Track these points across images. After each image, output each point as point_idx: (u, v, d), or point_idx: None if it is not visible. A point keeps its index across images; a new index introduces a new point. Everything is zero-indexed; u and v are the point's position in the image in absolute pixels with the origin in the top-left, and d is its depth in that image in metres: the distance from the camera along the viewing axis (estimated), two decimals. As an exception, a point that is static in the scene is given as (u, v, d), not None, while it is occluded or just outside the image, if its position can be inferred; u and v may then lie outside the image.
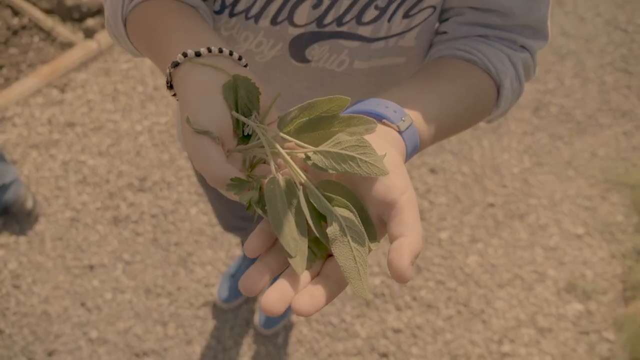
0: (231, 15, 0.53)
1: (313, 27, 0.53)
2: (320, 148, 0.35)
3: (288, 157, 0.35)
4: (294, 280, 0.32)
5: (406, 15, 0.51)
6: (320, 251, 0.34)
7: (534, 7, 0.50)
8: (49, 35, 2.04)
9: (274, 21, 0.52)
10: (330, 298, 0.32)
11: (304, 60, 0.56)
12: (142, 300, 1.51)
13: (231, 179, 0.34)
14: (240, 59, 0.41)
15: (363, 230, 0.33)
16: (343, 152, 0.34)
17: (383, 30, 0.52)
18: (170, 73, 0.40)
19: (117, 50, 2.03)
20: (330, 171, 0.34)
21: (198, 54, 0.39)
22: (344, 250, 0.32)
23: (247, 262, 1.54)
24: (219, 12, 0.53)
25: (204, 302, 1.53)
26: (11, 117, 1.81)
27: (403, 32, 0.53)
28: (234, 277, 1.52)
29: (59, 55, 1.96)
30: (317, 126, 0.36)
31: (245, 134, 0.38)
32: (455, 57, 0.51)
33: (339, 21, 0.52)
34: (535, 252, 1.72)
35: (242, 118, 0.37)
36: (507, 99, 0.53)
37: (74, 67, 1.94)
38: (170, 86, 0.41)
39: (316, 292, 0.31)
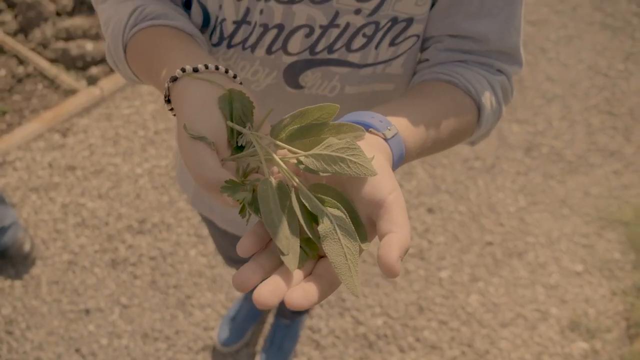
0: (229, 46, 0.57)
1: (306, 55, 0.56)
2: (312, 152, 0.36)
3: (280, 162, 0.36)
4: (287, 277, 0.33)
5: (392, 43, 0.55)
6: (312, 251, 0.35)
7: (506, 35, 0.54)
8: (52, 83, 2.09)
9: (269, 50, 0.56)
10: (322, 296, 0.32)
11: (298, 86, 0.60)
12: (139, 345, 1.47)
13: (225, 182, 0.35)
14: (235, 77, 0.44)
15: (353, 228, 0.34)
16: (333, 154, 0.35)
17: (371, 57, 0.56)
18: (168, 87, 0.42)
19: (119, 96, 2.08)
20: (322, 174, 0.35)
21: (196, 70, 0.41)
22: (335, 247, 0.33)
23: (247, 304, 1.52)
24: (217, 45, 0.57)
25: (203, 346, 1.49)
26: (12, 161, 1.83)
27: (390, 60, 0.57)
28: (234, 319, 1.49)
29: (62, 101, 2.01)
30: (308, 133, 0.38)
31: (239, 144, 0.40)
32: (437, 80, 0.54)
33: (330, 49, 0.55)
34: (536, 290, 1.71)
35: (236, 127, 0.39)
36: (488, 118, 0.55)
37: (77, 112, 1.98)
38: (167, 100, 0.43)
39: (309, 288, 0.32)
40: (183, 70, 0.41)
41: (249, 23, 0.54)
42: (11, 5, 2.36)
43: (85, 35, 2.27)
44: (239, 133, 0.40)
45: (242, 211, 0.36)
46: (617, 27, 2.81)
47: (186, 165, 0.38)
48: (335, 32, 0.54)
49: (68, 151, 1.87)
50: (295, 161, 0.37)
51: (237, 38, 0.56)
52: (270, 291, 0.31)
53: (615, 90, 2.46)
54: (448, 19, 0.54)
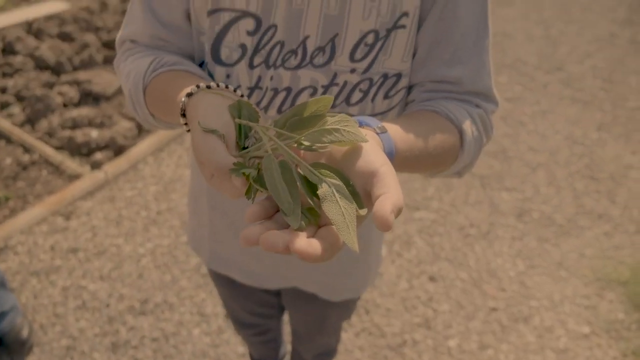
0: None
1: None
2: (309, 132, 0.40)
3: (284, 145, 0.40)
4: (291, 234, 0.35)
5: (386, 96, 0.62)
6: (312, 217, 0.38)
7: (478, 79, 0.62)
8: (57, 169, 2.15)
9: (279, 110, 0.64)
10: (324, 253, 0.34)
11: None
12: None
13: (234, 164, 0.39)
14: (242, 95, 0.50)
15: (350, 194, 0.37)
16: (329, 127, 0.39)
17: (368, 109, 0.63)
18: (184, 102, 0.48)
19: (123, 179, 2.14)
20: (320, 149, 0.39)
21: (209, 87, 0.48)
22: (333, 208, 0.35)
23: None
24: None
25: None
26: (14, 245, 1.83)
27: (386, 112, 0.64)
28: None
29: (65, 186, 2.06)
30: (308, 123, 0.41)
31: (246, 145, 0.44)
32: (423, 109, 0.61)
33: (332, 104, 0.62)
34: (546, 355, 1.69)
35: (244, 122, 0.44)
36: (470, 144, 0.60)
37: (80, 196, 2.02)
38: (183, 115, 0.48)
39: (312, 241, 0.34)
40: (197, 87, 0.48)
41: (260, 88, 0.62)
42: (20, 99, 2.50)
43: (90, 124, 2.39)
44: (246, 135, 0.44)
45: (248, 192, 0.39)
46: (586, 101, 3.05)
47: (198, 156, 0.42)
48: (335, 89, 0.61)
49: (70, 234, 1.88)
50: (296, 145, 0.41)
51: (252, 101, 0.64)
52: (276, 235, 0.34)
53: (594, 157, 2.60)
54: (427, 68, 0.61)
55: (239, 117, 0.45)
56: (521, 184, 2.39)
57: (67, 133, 2.29)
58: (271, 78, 0.61)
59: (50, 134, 2.32)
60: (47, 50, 2.77)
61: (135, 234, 1.92)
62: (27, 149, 2.23)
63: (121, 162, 2.20)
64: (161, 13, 0.63)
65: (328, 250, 0.35)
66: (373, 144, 0.41)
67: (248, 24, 0.58)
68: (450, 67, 0.60)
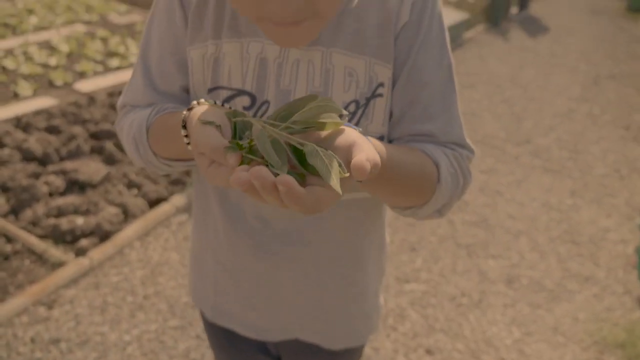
0: None
1: None
2: (295, 116, 0.46)
3: (273, 129, 0.45)
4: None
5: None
6: (299, 178, 0.42)
7: (449, 131, 0.67)
8: (40, 258, 2.10)
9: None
10: (308, 202, 0.39)
11: None
12: None
13: (229, 142, 0.44)
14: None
15: (331, 154, 0.42)
16: (313, 107, 0.45)
17: None
18: (185, 115, 0.52)
19: (108, 265, 2.10)
20: (306, 127, 0.44)
21: (207, 101, 0.54)
22: (317, 159, 0.41)
23: None
24: None
25: None
26: (-10, 340, 1.73)
27: None
28: None
29: (48, 274, 2.00)
30: (294, 109, 0.47)
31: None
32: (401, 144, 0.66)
33: None
34: None
35: (239, 112, 0.49)
36: (447, 180, 0.63)
37: (64, 284, 1.96)
38: (184, 127, 0.53)
39: (298, 186, 0.38)
40: (197, 102, 0.53)
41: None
42: (5, 190, 2.49)
43: (76, 211, 2.38)
44: (241, 137, 0.49)
45: (241, 164, 0.44)
46: (556, 170, 3.22)
47: (196, 144, 0.47)
48: None
49: (53, 324, 1.80)
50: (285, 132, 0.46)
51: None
52: (266, 170, 0.38)
53: (571, 222, 2.69)
54: (402, 125, 0.66)
55: (234, 117, 0.50)
56: (506, 251, 2.44)
57: (51, 221, 2.27)
58: None
59: (34, 222, 2.29)
60: (34, 142, 2.82)
61: (120, 321, 1.84)
62: (9, 239, 2.19)
63: (107, 247, 2.17)
64: (161, 86, 0.69)
65: (312, 201, 0.39)
66: (352, 129, 0.46)
67: (244, 100, 0.64)
68: (423, 123, 0.65)
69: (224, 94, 0.65)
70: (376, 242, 0.82)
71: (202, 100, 0.54)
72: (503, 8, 7.04)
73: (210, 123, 0.47)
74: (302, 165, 0.43)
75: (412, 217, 0.68)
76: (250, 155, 0.44)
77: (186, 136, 0.53)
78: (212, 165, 0.46)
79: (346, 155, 0.43)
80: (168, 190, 2.62)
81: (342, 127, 0.46)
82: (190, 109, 0.53)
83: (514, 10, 7.82)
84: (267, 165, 0.42)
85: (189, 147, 0.53)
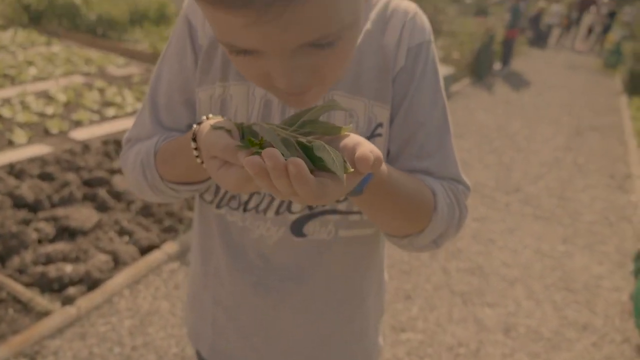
0: (245, 210, 0.71)
1: (306, 211, 0.70)
2: (303, 118, 0.48)
3: (283, 130, 0.47)
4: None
5: None
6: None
7: (444, 168, 0.69)
8: (25, 307, 2.03)
9: (277, 212, 0.70)
10: (316, 189, 0.40)
11: (302, 235, 0.71)
12: None
13: (241, 141, 0.47)
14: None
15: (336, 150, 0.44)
16: (319, 110, 0.48)
17: (353, 205, 0.70)
18: (195, 128, 0.54)
19: (95, 314, 2.03)
20: (311, 129, 0.46)
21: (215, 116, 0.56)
22: (324, 152, 0.43)
23: None
24: (236, 209, 0.71)
25: None
26: (-34, 396, 1.63)
27: None
28: None
29: (33, 324, 1.93)
30: (300, 116, 0.50)
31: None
32: None
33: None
34: None
35: (248, 124, 0.51)
36: (443, 209, 0.64)
37: (49, 334, 1.89)
38: (194, 139, 0.54)
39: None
40: (206, 117, 0.55)
41: (259, 193, 0.69)
42: (-7, 237, 2.45)
43: (65, 259, 2.33)
44: (249, 139, 0.50)
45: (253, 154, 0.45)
46: (546, 217, 3.25)
47: (207, 148, 0.48)
48: None
49: (34, 377, 1.71)
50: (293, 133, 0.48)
51: (251, 204, 0.70)
52: (279, 154, 0.39)
53: (565, 269, 2.69)
54: (399, 162, 0.68)
55: (242, 129, 0.52)
56: (502, 299, 2.41)
57: (39, 269, 2.21)
58: None
59: (21, 270, 2.23)
60: (26, 189, 2.81)
61: (106, 374, 1.76)
62: (-6, 288, 2.12)
63: (95, 296, 2.11)
64: (167, 123, 0.71)
65: (319, 189, 0.40)
66: (356, 134, 0.49)
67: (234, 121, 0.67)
68: (420, 161, 0.68)
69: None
70: (375, 279, 0.82)
71: (211, 115, 0.56)
72: (487, 64, 7.37)
73: (220, 128, 0.49)
74: (310, 161, 0.45)
75: (409, 247, 0.68)
76: (261, 150, 0.45)
77: (196, 149, 0.54)
78: (222, 167, 0.47)
79: (351, 154, 0.44)
80: (160, 237, 2.59)
81: (347, 132, 0.48)
82: (199, 123, 0.55)
83: (496, 65, 8.20)
84: None
85: (198, 160, 0.55)
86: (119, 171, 3.20)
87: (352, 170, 0.42)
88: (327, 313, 0.78)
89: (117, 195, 2.93)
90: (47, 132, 3.68)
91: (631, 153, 4.68)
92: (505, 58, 8.10)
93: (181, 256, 2.46)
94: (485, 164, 4.09)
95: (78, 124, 3.89)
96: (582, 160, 4.38)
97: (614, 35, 13.64)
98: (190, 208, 2.86)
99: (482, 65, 7.15)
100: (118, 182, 3.04)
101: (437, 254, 2.70)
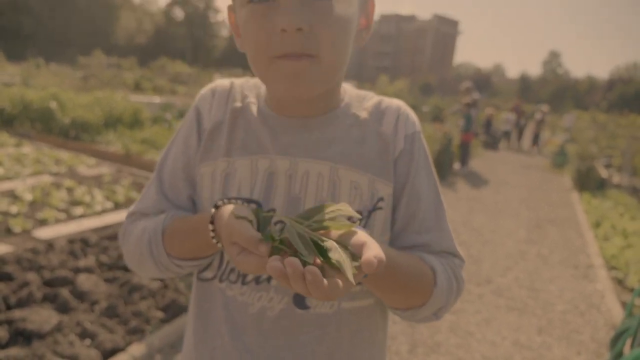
0: (243, 283, 0.72)
1: None
2: (317, 218, 0.55)
3: (300, 225, 0.53)
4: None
5: None
6: (320, 270, 0.49)
7: (442, 241, 0.75)
8: None
9: None
10: (329, 289, 0.47)
11: (305, 307, 0.72)
12: None
13: (262, 235, 0.53)
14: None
15: (347, 249, 0.51)
16: (332, 210, 0.56)
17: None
18: (213, 213, 0.60)
19: None
20: (325, 228, 0.53)
21: (230, 201, 0.63)
22: (336, 253, 0.50)
23: None
24: (234, 282, 0.73)
25: None
26: None
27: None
28: None
29: None
30: (315, 213, 0.57)
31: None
32: None
33: None
34: None
35: (267, 214, 0.59)
36: (443, 284, 0.70)
37: None
38: (211, 222, 0.60)
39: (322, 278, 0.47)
40: (223, 202, 0.61)
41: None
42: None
43: (17, 366, 2.12)
44: (264, 228, 0.58)
45: (271, 255, 0.52)
46: (519, 308, 3.27)
47: (231, 237, 0.55)
48: None
49: None
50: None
51: (249, 277, 0.72)
52: (297, 261, 0.46)
53: (545, 360, 2.65)
54: (403, 237, 0.75)
55: (258, 215, 0.59)
56: (487, 394, 2.32)
57: (-13, 379, 2.00)
58: None
59: (-35, 381, 2.01)
60: (-19, 290, 2.63)
61: None
62: None
63: (49, 408, 1.90)
64: (170, 195, 0.77)
65: (331, 290, 0.47)
66: (362, 231, 0.55)
67: (251, 207, 0.71)
68: (420, 235, 0.75)
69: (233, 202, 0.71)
70: (379, 355, 0.81)
71: (226, 200, 0.61)
72: (447, 163, 7.85)
73: (243, 217, 0.55)
74: (322, 257, 0.51)
75: (411, 319, 0.72)
76: (281, 245, 0.53)
77: (213, 230, 0.60)
78: (241, 253, 0.54)
79: (358, 252, 0.52)
80: (125, 339, 2.43)
81: (354, 229, 0.55)
82: (217, 207, 0.60)
83: (456, 165, 8.73)
84: (295, 255, 0.51)
85: (214, 241, 0.60)
86: (84, 270, 3.07)
87: (358, 262, 0.50)
88: None
89: (80, 295, 2.78)
90: (9, 231, 3.55)
91: (589, 244, 4.89)
92: (464, 159, 8.66)
93: (148, 359, 2.29)
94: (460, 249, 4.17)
95: (43, 222, 3.79)
96: (545, 252, 4.54)
97: (558, 138, 14.94)
98: (158, 308, 2.73)
99: (443, 166, 7.61)
100: (83, 281, 2.90)
101: (416, 348, 2.63)
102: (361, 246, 0.51)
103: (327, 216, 0.55)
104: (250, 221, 0.56)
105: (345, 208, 0.56)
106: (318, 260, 0.51)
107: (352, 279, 0.47)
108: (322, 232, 0.55)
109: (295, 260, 0.46)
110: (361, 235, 0.53)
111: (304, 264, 0.48)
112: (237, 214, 0.56)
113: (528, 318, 3.13)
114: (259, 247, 0.52)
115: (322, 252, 0.51)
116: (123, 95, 9.85)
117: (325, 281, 0.46)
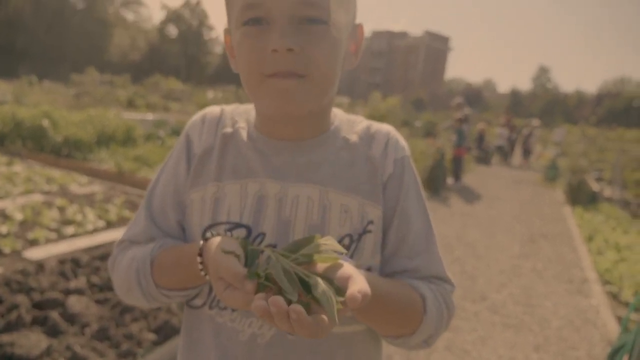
0: (233, 310, 0.72)
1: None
2: (301, 252, 0.55)
3: (285, 259, 0.53)
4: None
5: None
6: (304, 306, 0.49)
7: (431, 265, 0.76)
8: None
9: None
10: (313, 327, 0.47)
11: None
12: None
13: (248, 272, 0.53)
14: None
15: (331, 286, 0.51)
16: (318, 244, 0.56)
17: None
18: (202, 245, 0.61)
19: None
20: (311, 261, 0.53)
21: (218, 234, 0.62)
22: (320, 292, 0.50)
23: None
24: (224, 308, 0.73)
25: None
26: None
27: None
28: None
29: None
30: (302, 245, 0.57)
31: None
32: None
33: None
34: None
35: (255, 248, 0.58)
36: (432, 311, 0.70)
37: None
38: (200, 254, 0.60)
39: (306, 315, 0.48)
40: (211, 234, 0.61)
41: None
42: None
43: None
44: (252, 262, 0.58)
45: (257, 291, 0.52)
46: (515, 325, 3.26)
47: (217, 272, 0.55)
48: None
49: None
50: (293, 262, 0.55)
51: None
52: (282, 300, 0.47)
53: (542, 379, 2.63)
54: (393, 261, 0.75)
55: (245, 247, 0.59)
56: (484, 415, 2.29)
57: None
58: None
59: (-50, 410, 1.95)
60: (-32, 314, 2.57)
61: None
62: None
63: None
64: (159, 221, 0.77)
65: (315, 328, 0.47)
66: (348, 264, 0.56)
67: (241, 232, 0.71)
68: (411, 259, 0.75)
69: (222, 227, 0.71)
70: None
71: (214, 231, 0.61)
72: (440, 179, 7.88)
73: (230, 252, 0.55)
74: (307, 293, 0.51)
75: (403, 346, 0.72)
76: (266, 282, 0.53)
77: (201, 263, 0.60)
78: (228, 289, 0.54)
79: (344, 286, 0.52)
80: (116, 363, 2.38)
81: (340, 261, 0.56)
82: (205, 239, 0.60)
83: (450, 180, 8.77)
84: (280, 291, 0.51)
85: (202, 273, 0.60)
86: (75, 291, 3.02)
87: (343, 297, 0.50)
88: None
89: (70, 318, 2.73)
90: (-2, 252, 3.50)
91: (583, 259, 4.91)
92: (457, 174, 8.71)
93: (139, 383, 2.24)
94: (450, 273, 4.16)
95: (33, 242, 3.74)
96: (540, 267, 4.54)
97: (549, 153, 15.09)
98: (150, 330, 2.68)
99: (437, 180, 7.63)
100: (73, 303, 2.85)
101: (412, 369, 2.60)
102: (347, 279, 0.52)
103: (313, 249, 0.55)
104: (238, 256, 0.56)
105: (330, 242, 0.56)
106: (306, 299, 0.51)
107: (335, 318, 0.48)
108: (308, 265, 0.55)
109: (279, 300, 0.47)
110: (347, 268, 0.54)
111: (289, 302, 0.48)
112: (224, 249, 0.56)
113: (524, 335, 3.11)
114: (245, 284, 0.52)
115: (307, 288, 0.51)
116: (116, 113, 9.84)
117: (309, 319, 0.47)
